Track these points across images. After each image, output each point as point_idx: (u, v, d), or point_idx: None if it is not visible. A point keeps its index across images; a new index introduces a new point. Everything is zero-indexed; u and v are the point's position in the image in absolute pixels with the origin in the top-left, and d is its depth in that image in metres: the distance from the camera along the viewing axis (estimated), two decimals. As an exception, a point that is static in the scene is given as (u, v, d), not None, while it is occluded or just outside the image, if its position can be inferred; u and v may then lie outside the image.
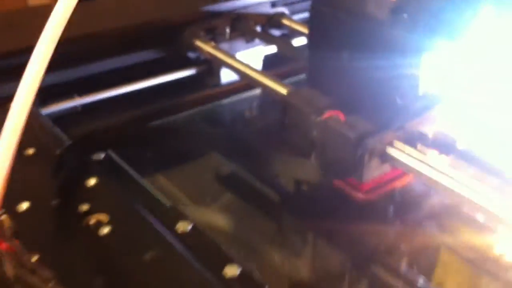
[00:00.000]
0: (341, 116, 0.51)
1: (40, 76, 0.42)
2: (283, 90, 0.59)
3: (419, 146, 0.49)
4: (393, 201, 0.54)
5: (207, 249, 0.42)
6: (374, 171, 0.50)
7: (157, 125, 0.64)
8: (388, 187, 0.53)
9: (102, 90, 0.64)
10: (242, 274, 0.39)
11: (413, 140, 0.50)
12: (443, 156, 0.48)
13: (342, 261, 0.49)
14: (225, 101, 0.69)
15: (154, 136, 0.62)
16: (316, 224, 0.51)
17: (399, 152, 0.50)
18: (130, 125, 0.62)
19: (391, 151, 0.50)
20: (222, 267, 0.40)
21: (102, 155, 0.53)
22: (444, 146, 0.48)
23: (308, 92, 0.56)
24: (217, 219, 0.52)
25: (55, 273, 0.39)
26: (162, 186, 0.52)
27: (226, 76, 0.69)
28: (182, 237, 0.43)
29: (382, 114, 0.50)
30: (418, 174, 0.48)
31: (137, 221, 0.44)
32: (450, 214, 0.51)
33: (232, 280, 0.39)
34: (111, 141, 0.57)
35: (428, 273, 0.47)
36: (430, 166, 0.48)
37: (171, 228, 0.43)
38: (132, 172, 0.52)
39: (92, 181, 0.48)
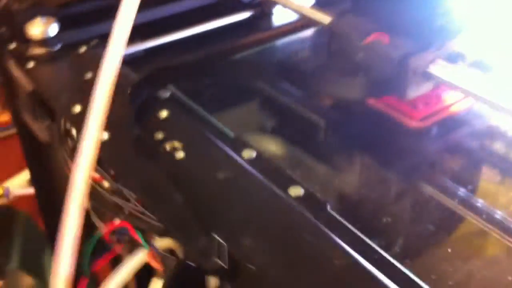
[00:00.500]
0: (385, 38, 0.53)
1: (132, 18, 0.46)
2: (326, 20, 0.60)
3: (460, 64, 0.52)
4: (448, 128, 0.56)
5: (272, 172, 0.46)
6: (418, 89, 0.53)
7: (216, 65, 0.67)
8: (444, 114, 0.56)
9: (162, 35, 0.68)
10: (305, 193, 0.43)
11: (453, 58, 0.53)
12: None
13: (390, 182, 0.52)
14: (278, 42, 0.72)
15: (213, 75, 0.65)
16: (367, 150, 0.54)
17: (441, 69, 0.53)
18: (191, 65, 0.65)
19: (433, 69, 0.53)
20: (287, 188, 0.43)
21: (168, 92, 0.57)
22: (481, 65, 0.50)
23: (350, 19, 0.58)
24: (275, 147, 0.55)
25: (137, 193, 0.44)
26: (223, 119, 0.56)
27: (278, 19, 0.72)
28: (249, 161, 0.47)
29: (424, 35, 0.53)
30: (461, 90, 0.52)
31: (208, 147, 0.49)
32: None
33: (298, 199, 0.43)
34: (174, 79, 0.60)
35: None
36: (471, 81, 0.50)
37: (239, 154, 0.47)
38: (196, 106, 0.56)
39: (163, 114, 0.52)
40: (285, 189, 0.44)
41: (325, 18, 0.61)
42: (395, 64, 0.52)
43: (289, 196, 0.44)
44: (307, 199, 0.44)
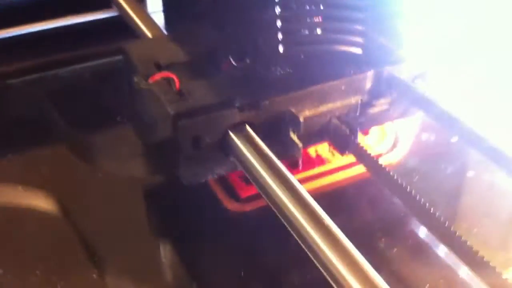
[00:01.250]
0: (177, 81, 0.35)
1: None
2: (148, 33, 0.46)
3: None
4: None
5: None
6: (208, 169, 0.36)
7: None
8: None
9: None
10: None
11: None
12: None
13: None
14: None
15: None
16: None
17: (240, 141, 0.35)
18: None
19: (231, 139, 0.35)
20: None
21: None
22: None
23: (154, 42, 0.44)
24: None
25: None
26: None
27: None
28: None
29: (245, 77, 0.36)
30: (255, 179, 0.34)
31: None
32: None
33: None
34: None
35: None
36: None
37: None
38: None
39: None
40: None
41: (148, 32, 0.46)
42: (169, 123, 0.34)
43: None
44: None
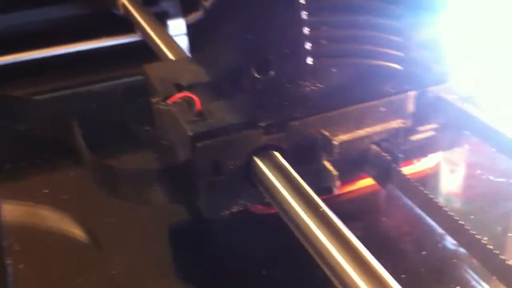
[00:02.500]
0: (197, 102, 0.32)
1: None
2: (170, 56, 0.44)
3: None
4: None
5: None
6: (232, 200, 0.32)
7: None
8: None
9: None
10: None
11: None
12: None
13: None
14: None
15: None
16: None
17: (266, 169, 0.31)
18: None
19: (256, 164, 0.31)
20: None
21: None
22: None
23: (175, 63, 0.41)
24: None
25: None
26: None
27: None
28: None
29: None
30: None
31: None
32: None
33: None
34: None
35: None
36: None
37: None
38: None
39: None
40: None
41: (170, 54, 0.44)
42: (188, 145, 0.31)
43: None
44: None
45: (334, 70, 0.31)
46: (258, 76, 0.30)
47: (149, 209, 0.37)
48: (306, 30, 0.29)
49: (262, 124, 0.31)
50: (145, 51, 0.49)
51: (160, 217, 0.37)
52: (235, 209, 0.33)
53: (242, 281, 0.33)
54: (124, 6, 0.55)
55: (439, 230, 0.36)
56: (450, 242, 0.36)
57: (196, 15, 0.38)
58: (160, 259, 0.35)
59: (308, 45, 0.29)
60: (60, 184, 0.41)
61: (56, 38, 0.57)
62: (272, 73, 0.30)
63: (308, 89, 0.31)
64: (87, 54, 0.58)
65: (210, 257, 0.35)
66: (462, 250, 0.35)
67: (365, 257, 0.25)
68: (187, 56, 0.42)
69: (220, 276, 0.33)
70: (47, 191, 0.40)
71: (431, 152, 0.37)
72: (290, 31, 0.29)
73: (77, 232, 0.38)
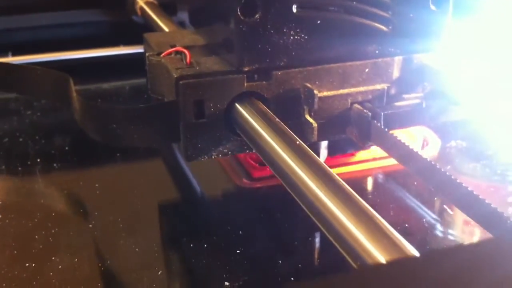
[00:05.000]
0: (188, 55, 0.34)
1: None
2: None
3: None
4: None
5: None
6: (212, 145, 0.33)
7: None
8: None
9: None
10: None
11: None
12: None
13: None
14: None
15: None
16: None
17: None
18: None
19: (238, 110, 0.32)
20: None
21: None
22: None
23: (174, 32, 0.44)
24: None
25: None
26: None
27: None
28: None
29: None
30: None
31: None
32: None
33: None
34: None
35: None
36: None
37: None
38: None
39: None
40: None
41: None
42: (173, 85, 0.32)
43: None
44: None
45: (319, 22, 0.32)
46: (243, 18, 0.31)
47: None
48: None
49: (245, 68, 0.32)
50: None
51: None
52: (214, 155, 0.33)
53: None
54: (142, 9, 0.57)
55: (430, 219, 0.36)
56: (439, 230, 0.35)
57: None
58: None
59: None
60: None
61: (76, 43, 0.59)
62: (257, 16, 0.31)
63: (292, 38, 0.32)
64: (105, 62, 0.59)
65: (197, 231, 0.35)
66: (451, 238, 0.35)
67: (346, 190, 0.24)
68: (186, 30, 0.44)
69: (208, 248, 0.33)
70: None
71: (416, 123, 0.37)
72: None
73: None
